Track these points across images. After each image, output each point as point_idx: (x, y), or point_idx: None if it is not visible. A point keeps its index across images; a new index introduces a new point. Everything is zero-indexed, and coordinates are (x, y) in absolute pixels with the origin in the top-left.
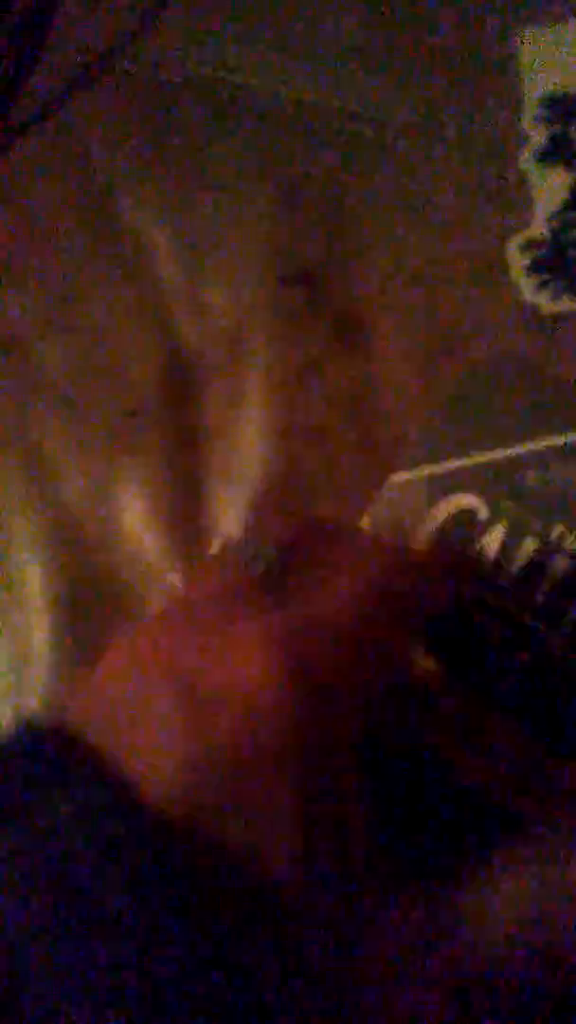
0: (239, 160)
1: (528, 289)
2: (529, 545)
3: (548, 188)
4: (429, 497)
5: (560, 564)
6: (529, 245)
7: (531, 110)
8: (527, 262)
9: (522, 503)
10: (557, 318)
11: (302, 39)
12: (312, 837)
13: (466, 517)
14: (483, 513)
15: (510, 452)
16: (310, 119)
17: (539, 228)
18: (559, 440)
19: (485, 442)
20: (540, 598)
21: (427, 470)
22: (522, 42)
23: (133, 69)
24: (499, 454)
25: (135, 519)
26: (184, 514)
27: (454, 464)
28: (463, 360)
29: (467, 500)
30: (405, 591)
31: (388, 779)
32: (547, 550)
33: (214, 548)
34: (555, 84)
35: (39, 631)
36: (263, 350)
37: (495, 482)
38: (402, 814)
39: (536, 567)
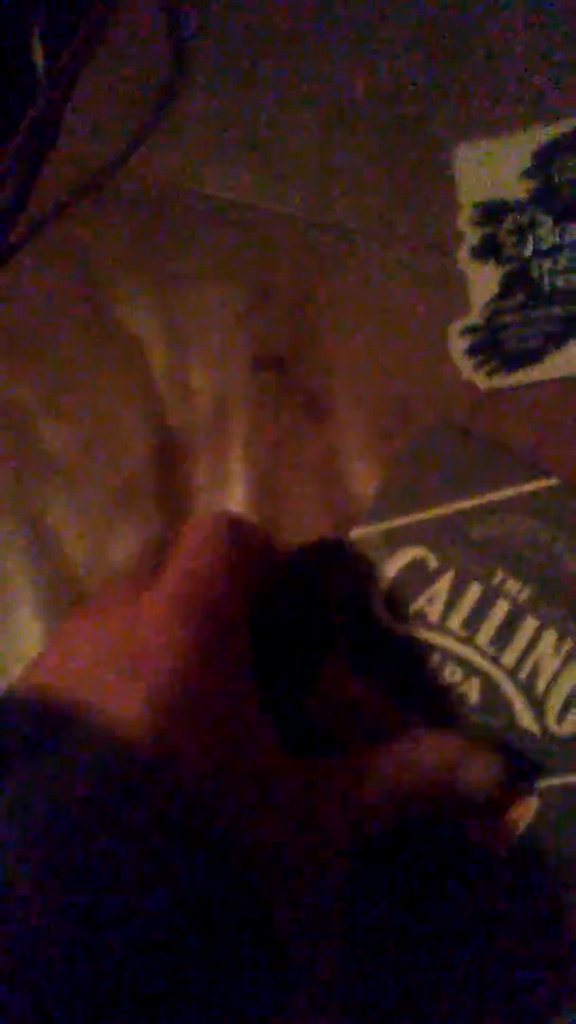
0: (217, 262)
1: (467, 369)
2: (474, 590)
3: (482, 281)
4: (386, 550)
5: (501, 607)
6: (467, 331)
7: (466, 213)
8: (465, 345)
9: (467, 552)
10: (492, 393)
11: (272, 159)
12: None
13: (418, 566)
14: (433, 563)
15: (455, 507)
16: (279, 227)
17: (475, 316)
18: (497, 496)
19: (433, 499)
20: (483, 639)
21: (383, 526)
22: (457, 155)
23: (126, 183)
24: (446, 509)
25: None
26: None
27: (406, 520)
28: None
29: (418, 551)
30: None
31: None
32: (490, 594)
33: None
34: (485, 191)
35: None
36: (242, 427)
37: (443, 534)
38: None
39: (480, 610)
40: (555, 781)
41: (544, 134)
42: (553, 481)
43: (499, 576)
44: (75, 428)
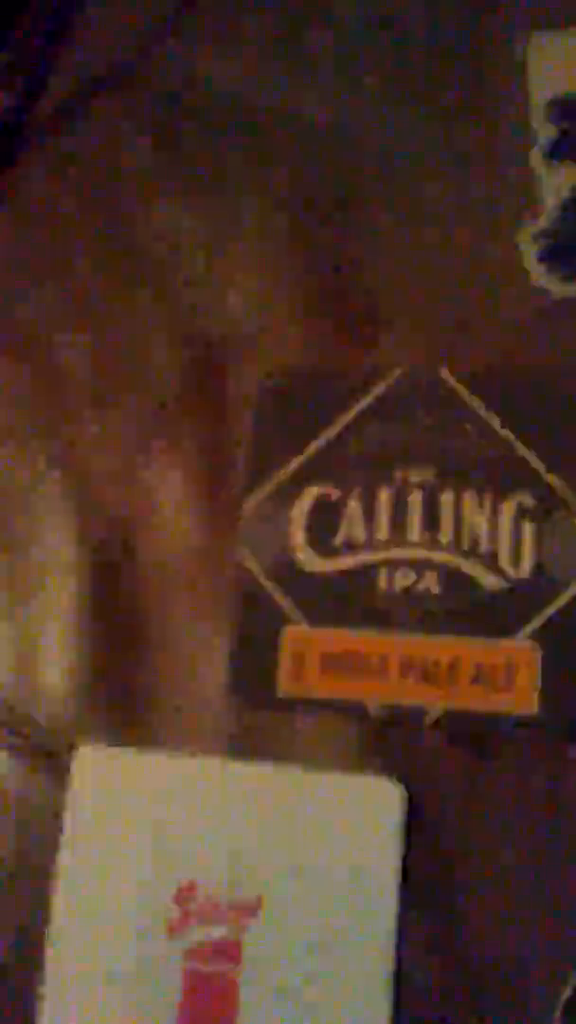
0: (255, 166)
1: (539, 274)
2: (384, 496)
3: (556, 183)
4: (284, 503)
5: (416, 498)
6: (539, 235)
7: (539, 109)
8: (538, 250)
9: (359, 468)
10: (561, 302)
11: (312, 60)
12: None
13: (323, 502)
14: (335, 493)
15: (326, 436)
16: (320, 136)
17: (548, 219)
18: (357, 408)
19: (303, 439)
20: (414, 534)
21: (271, 484)
22: (529, 46)
23: (151, 82)
24: (319, 442)
25: (168, 499)
26: (215, 487)
27: (289, 468)
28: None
29: (316, 490)
30: None
31: None
32: (399, 492)
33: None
34: (560, 86)
35: (65, 596)
36: (289, 332)
37: (329, 464)
38: None
39: (398, 510)
40: (541, 619)
41: None
42: (397, 374)
43: (399, 473)
44: (103, 349)
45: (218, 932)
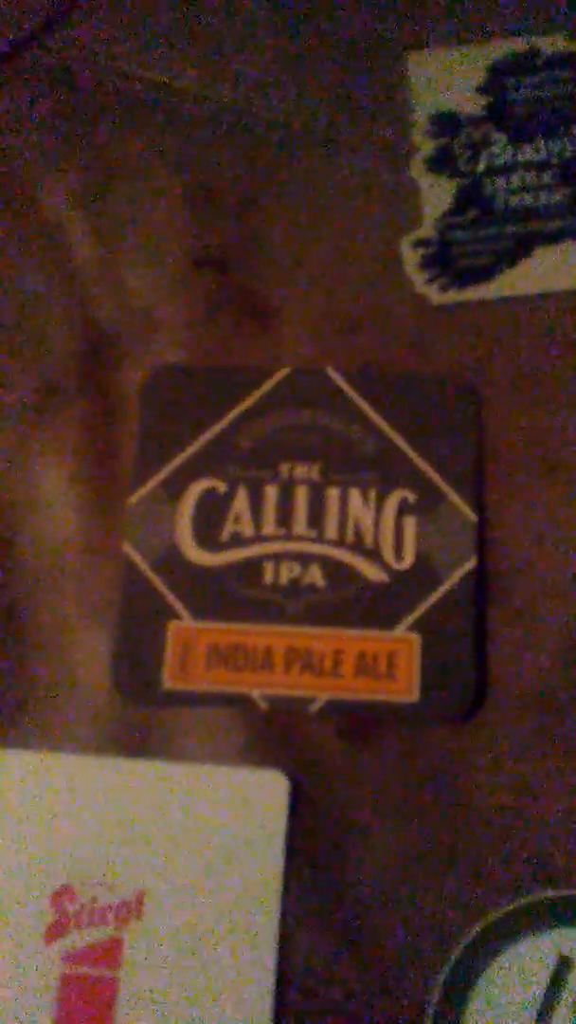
0: (152, 152)
1: (419, 282)
2: (271, 491)
3: (435, 194)
4: (170, 497)
5: (301, 492)
6: (419, 243)
7: (420, 123)
8: (418, 258)
9: (246, 462)
10: (441, 308)
11: (215, 44)
12: None
13: (209, 497)
14: (221, 487)
15: (214, 431)
16: (220, 119)
17: (428, 229)
18: (244, 403)
19: (191, 433)
20: (300, 528)
21: (157, 478)
22: (410, 63)
23: (48, 59)
24: (207, 436)
25: (52, 488)
26: (101, 479)
27: (176, 462)
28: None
29: (202, 484)
30: None
31: None
32: (285, 487)
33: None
34: (439, 103)
35: None
36: (177, 326)
37: (216, 458)
38: None
39: (284, 505)
40: (421, 610)
41: (499, 49)
42: (285, 371)
43: (285, 469)
44: None
45: (98, 934)
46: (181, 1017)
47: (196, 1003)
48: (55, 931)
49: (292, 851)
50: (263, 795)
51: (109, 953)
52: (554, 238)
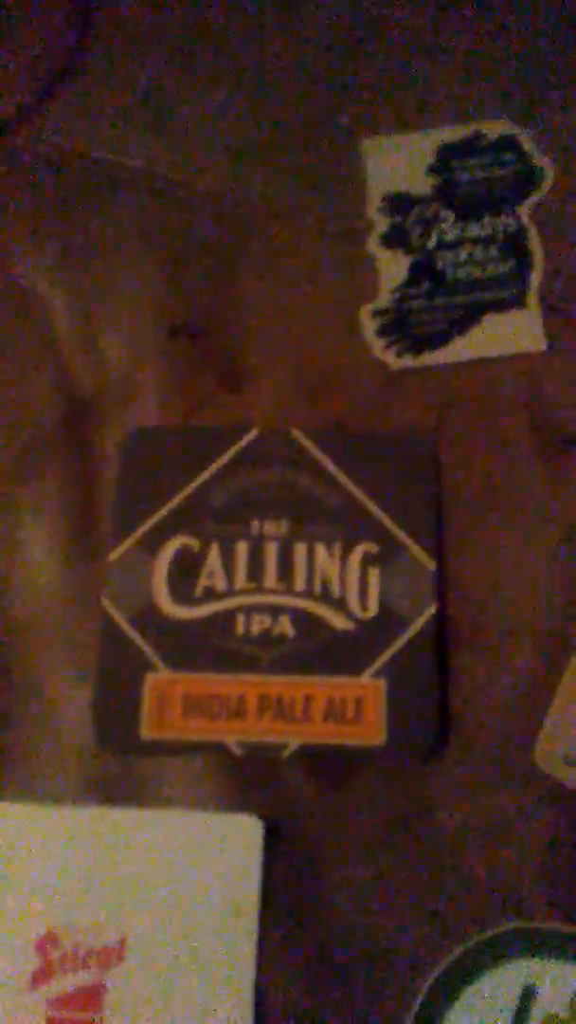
0: (127, 229)
1: (377, 348)
2: (241, 547)
3: (391, 267)
4: (147, 554)
5: (271, 548)
6: (377, 313)
7: (375, 202)
8: (376, 326)
9: (219, 520)
10: (400, 372)
11: (183, 131)
12: None
13: (184, 553)
14: (195, 544)
15: (187, 490)
16: (192, 199)
17: (385, 299)
18: (217, 464)
19: (166, 493)
20: (270, 581)
21: (135, 536)
22: (365, 146)
23: (26, 145)
24: (181, 495)
25: (34, 544)
26: (81, 536)
27: (152, 521)
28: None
29: (177, 541)
30: None
31: None
32: (256, 544)
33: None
34: (393, 183)
35: None
36: (155, 392)
37: (190, 517)
38: None
39: (255, 560)
40: (386, 656)
41: (446, 134)
42: (254, 433)
43: (255, 526)
44: None
45: (82, 978)
46: None
47: None
48: (40, 977)
49: (267, 891)
50: (238, 838)
51: (92, 997)
52: (501, 306)
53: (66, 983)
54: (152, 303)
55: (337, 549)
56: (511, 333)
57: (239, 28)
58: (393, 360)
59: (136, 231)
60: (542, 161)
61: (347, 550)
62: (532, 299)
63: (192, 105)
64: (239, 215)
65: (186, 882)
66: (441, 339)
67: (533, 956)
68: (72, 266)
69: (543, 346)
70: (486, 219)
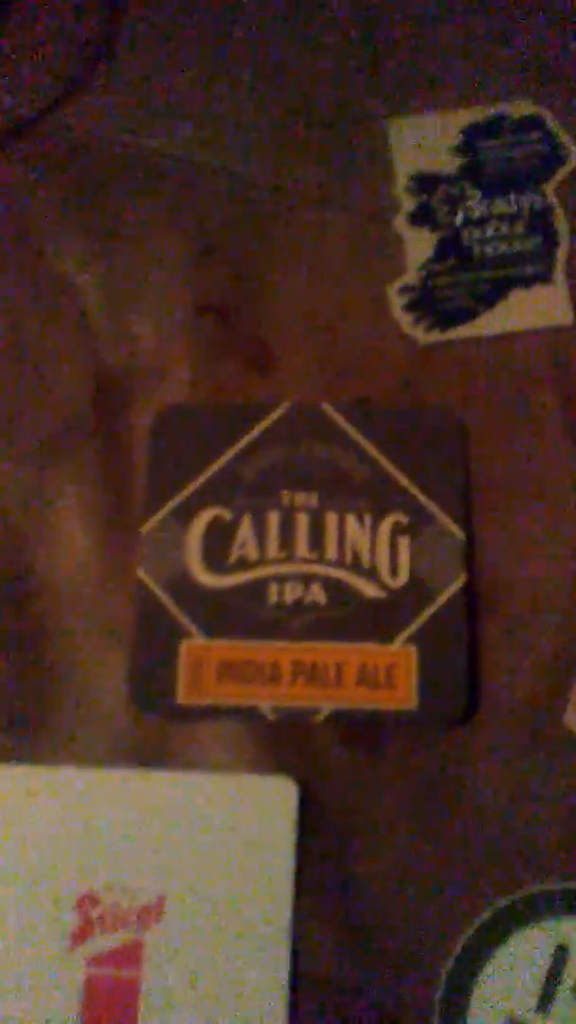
0: (157, 214)
1: (406, 324)
2: (273, 517)
3: (418, 245)
4: (180, 526)
5: (302, 519)
6: (404, 289)
7: (402, 182)
8: (404, 302)
9: (251, 492)
10: (427, 348)
11: (214, 116)
12: None
13: (217, 524)
14: (227, 515)
15: (218, 464)
16: (218, 185)
17: (412, 276)
18: (246, 439)
19: (197, 466)
20: (301, 551)
21: (167, 507)
22: (391, 128)
23: (56, 131)
24: (212, 468)
25: (71, 519)
26: (116, 510)
27: (184, 493)
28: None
29: (210, 512)
30: None
31: None
32: (287, 514)
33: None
34: (418, 163)
35: None
36: (184, 371)
37: (221, 489)
38: None
39: (286, 530)
40: (417, 624)
41: (471, 115)
42: (283, 407)
43: (286, 497)
44: (11, 370)
45: (121, 937)
46: (200, 1013)
47: (214, 999)
48: (80, 936)
49: (302, 852)
50: (273, 800)
51: (131, 955)
52: (527, 282)
53: (105, 941)
54: (181, 285)
55: (367, 519)
56: (537, 308)
57: (265, 13)
58: (421, 335)
59: (165, 215)
60: (566, 140)
61: (377, 520)
62: (558, 274)
63: (218, 90)
64: (266, 198)
65: (223, 843)
66: (468, 314)
67: (564, 916)
68: (102, 250)
69: (570, 320)
70: (512, 196)
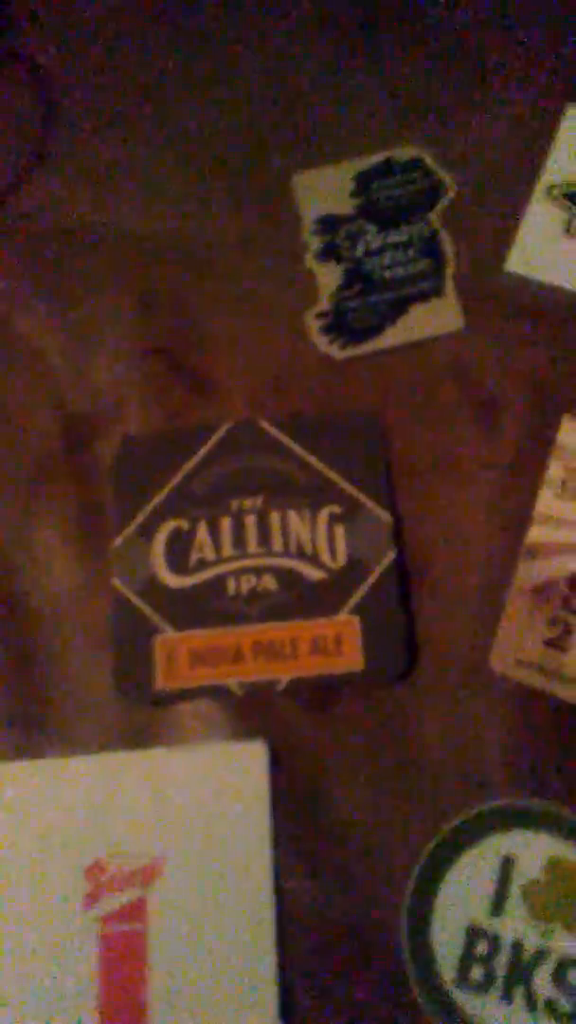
0: (105, 277)
1: (323, 344)
2: (225, 523)
3: (327, 277)
4: (145, 539)
5: (250, 520)
6: (319, 315)
7: (308, 226)
8: (319, 326)
9: (204, 503)
10: (344, 363)
11: (141, 189)
12: None
13: (176, 534)
14: (185, 525)
15: (174, 482)
16: (158, 242)
17: (324, 303)
18: (195, 458)
19: (156, 486)
20: (253, 547)
21: (133, 524)
22: (296, 181)
23: (12, 218)
24: (168, 486)
25: (51, 544)
26: (88, 533)
27: (146, 510)
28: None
29: (169, 525)
30: None
31: None
32: (237, 518)
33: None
34: (322, 208)
35: None
36: (138, 406)
37: (178, 503)
38: None
39: (238, 532)
40: (356, 597)
41: (362, 164)
42: (226, 427)
43: (235, 503)
44: None
45: (127, 896)
46: (200, 952)
47: (212, 939)
48: (91, 899)
49: (277, 804)
50: (247, 762)
51: (137, 910)
52: (423, 297)
53: (114, 901)
54: (129, 334)
55: (307, 514)
56: (434, 318)
57: (180, 95)
58: (337, 352)
59: (110, 277)
60: (444, 175)
61: (315, 514)
62: (448, 288)
63: (145, 167)
64: (196, 251)
65: (208, 804)
66: (375, 330)
67: (508, 831)
68: (61, 312)
69: (462, 324)
70: (403, 227)
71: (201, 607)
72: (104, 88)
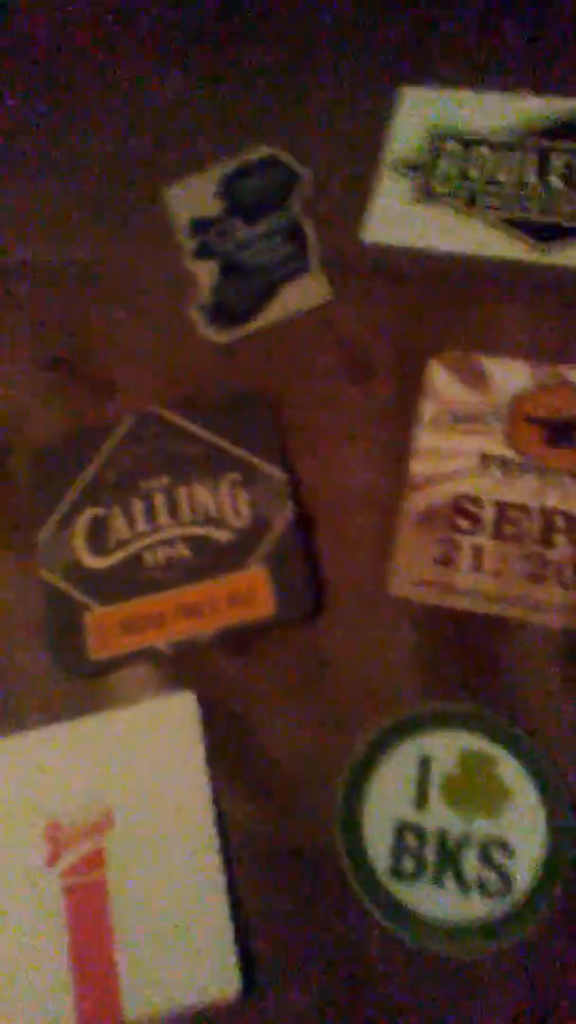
0: (10, 302)
1: (208, 333)
2: (137, 504)
3: (205, 272)
4: (66, 530)
5: (159, 498)
6: (201, 307)
7: (182, 229)
8: (203, 317)
9: (117, 491)
10: (229, 347)
11: (28, 218)
12: None
13: (94, 521)
14: (101, 511)
15: (87, 474)
16: (46, 270)
17: (205, 296)
18: (104, 451)
19: (71, 479)
20: (164, 520)
21: (54, 518)
22: (169, 192)
23: None
24: (83, 479)
25: None
26: (15, 533)
27: (65, 503)
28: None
29: (88, 513)
30: None
31: None
32: (147, 498)
33: None
34: (193, 212)
35: None
36: (48, 414)
37: (94, 493)
38: None
39: (149, 510)
40: (262, 550)
41: (226, 166)
42: (129, 420)
43: (144, 485)
44: None
45: (85, 847)
46: (157, 892)
47: (165, 875)
48: (53, 856)
49: (214, 746)
50: (179, 712)
51: (95, 860)
52: (292, 276)
53: (73, 855)
54: (35, 349)
55: (209, 484)
56: (303, 294)
57: (52, 134)
58: (220, 337)
59: (16, 305)
60: (297, 167)
61: (217, 482)
62: (314, 264)
63: (24, 200)
64: (83, 271)
65: (148, 755)
66: (252, 313)
67: (422, 734)
68: None
69: (330, 295)
70: (267, 218)
71: (124, 582)
72: None
